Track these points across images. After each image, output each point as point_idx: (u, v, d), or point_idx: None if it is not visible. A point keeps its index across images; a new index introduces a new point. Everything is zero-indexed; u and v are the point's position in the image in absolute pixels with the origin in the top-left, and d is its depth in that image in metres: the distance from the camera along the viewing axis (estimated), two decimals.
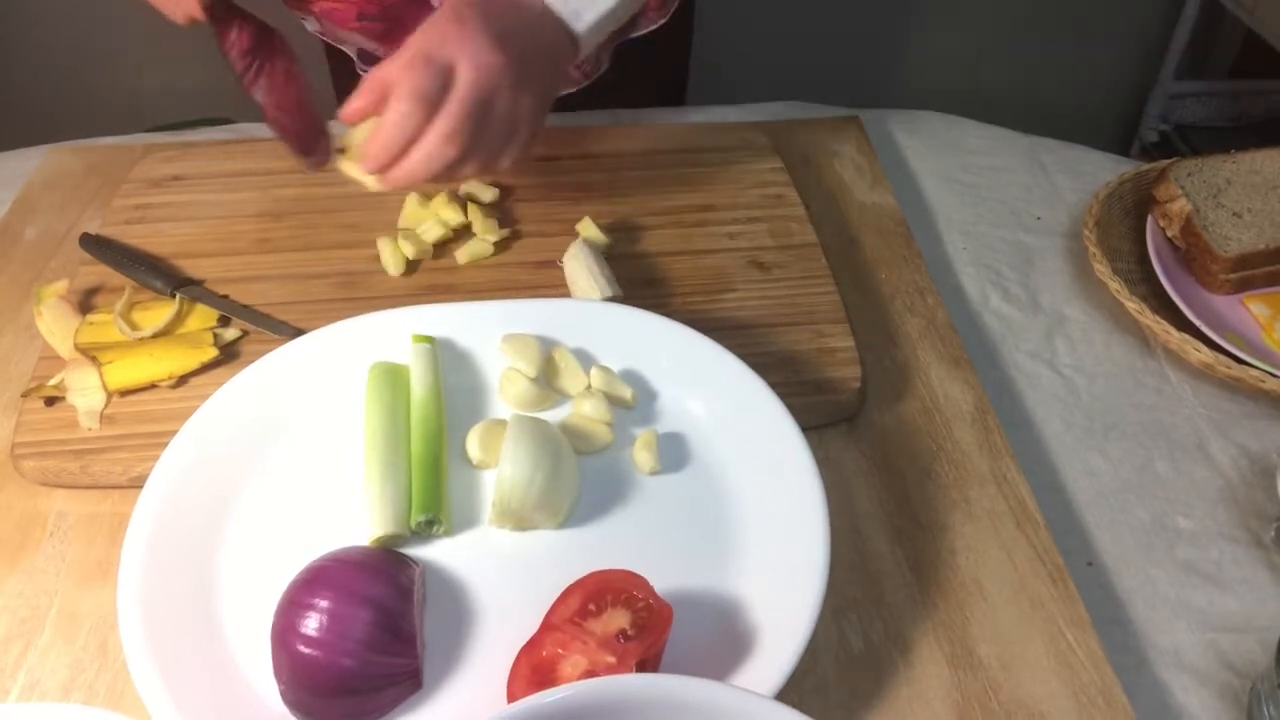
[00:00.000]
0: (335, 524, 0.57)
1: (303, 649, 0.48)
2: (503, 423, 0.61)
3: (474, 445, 0.61)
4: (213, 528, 0.57)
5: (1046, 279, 0.83)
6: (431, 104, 0.61)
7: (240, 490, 0.59)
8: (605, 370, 0.64)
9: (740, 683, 0.50)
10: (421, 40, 0.63)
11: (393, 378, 0.62)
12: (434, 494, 0.57)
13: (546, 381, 0.64)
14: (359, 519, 0.57)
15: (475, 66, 0.62)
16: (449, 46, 0.62)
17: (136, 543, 0.54)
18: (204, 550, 0.56)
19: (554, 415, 0.63)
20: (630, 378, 0.64)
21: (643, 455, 0.61)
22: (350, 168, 0.68)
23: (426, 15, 0.73)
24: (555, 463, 0.57)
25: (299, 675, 0.49)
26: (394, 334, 0.64)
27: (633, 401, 0.63)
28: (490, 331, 0.65)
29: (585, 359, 0.65)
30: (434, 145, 0.62)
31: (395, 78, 0.62)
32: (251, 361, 0.63)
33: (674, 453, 0.62)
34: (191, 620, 0.53)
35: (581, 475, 0.60)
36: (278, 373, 0.62)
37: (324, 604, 0.49)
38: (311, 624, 0.49)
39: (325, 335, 0.64)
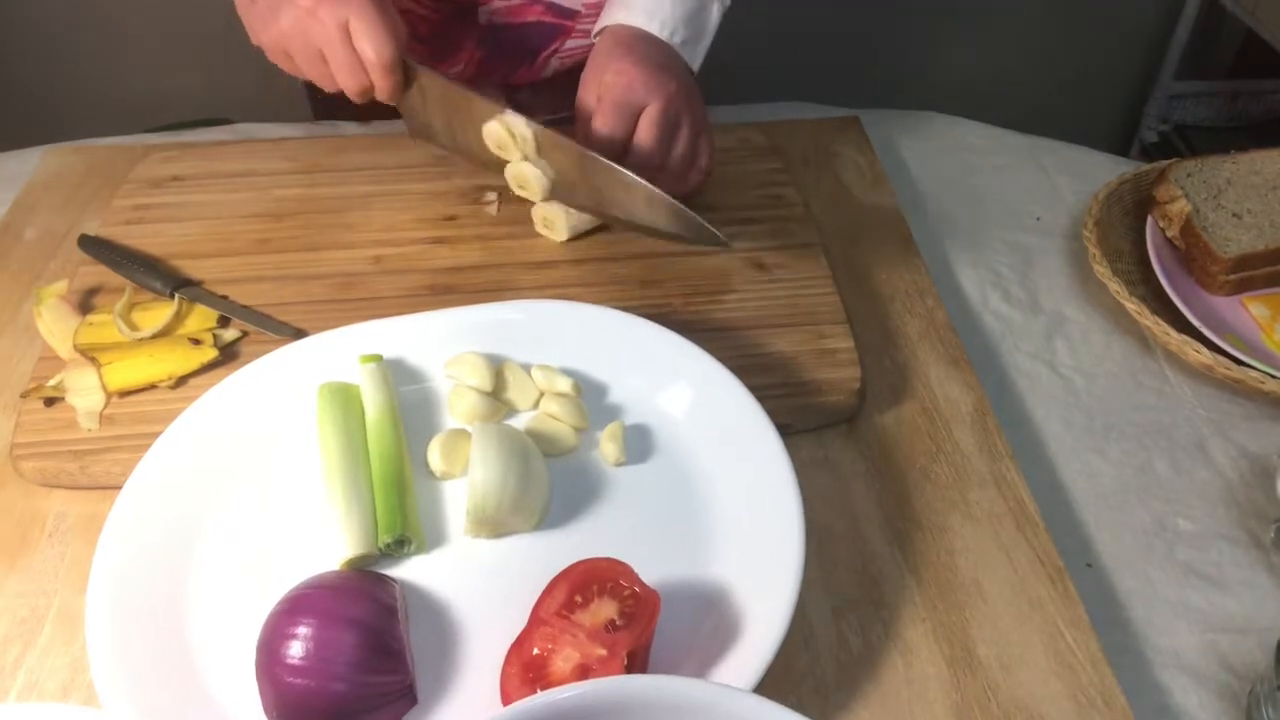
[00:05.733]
0: (305, 548, 0.57)
1: (291, 679, 0.48)
2: (463, 432, 0.62)
3: (436, 457, 0.60)
4: (177, 567, 0.56)
5: (1046, 279, 0.83)
6: (622, 142, 0.72)
7: (203, 524, 0.58)
8: (545, 368, 0.64)
9: (726, 666, 0.50)
10: (612, 85, 0.72)
11: (343, 397, 0.61)
12: (399, 513, 0.57)
13: (496, 396, 0.64)
14: (329, 541, 0.56)
15: (661, 97, 0.72)
16: (636, 88, 0.72)
17: (101, 584, 0.53)
18: (170, 587, 0.55)
19: (519, 421, 0.64)
20: (587, 374, 0.65)
21: (609, 446, 0.61)
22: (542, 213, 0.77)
23: (473, 35, 0.87)
24: (524, 465, 0.57)
25: (291, 706, 0.48)
26: (342, 353, 0.64)
27: (573, 392, 0.63)
28: (441, 341, 0.65)
29: (538, 358, 0.65)
30: (635, 164, 0.72)
31: (592, 123, 0.73)
32: (250, 361, 0.63)
33: (641, 444, 0.63)
34: (163, 659, 0.52)
35: (552, 474, 0.60)
36: (229, 404, 0.62)
37: (307, 631, 0.48)
38: (297, 652, 0.48)
39: (272, 360, 0.64)
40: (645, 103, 0.72)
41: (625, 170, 0.69)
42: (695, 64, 0.80)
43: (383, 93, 0.71)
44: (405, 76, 0.71)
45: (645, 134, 0.72)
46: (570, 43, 0.91)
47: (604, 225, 0.78)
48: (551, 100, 0.97)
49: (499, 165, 0.76)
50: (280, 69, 0.73)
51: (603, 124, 0.72)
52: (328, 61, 0.68)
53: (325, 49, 0.68)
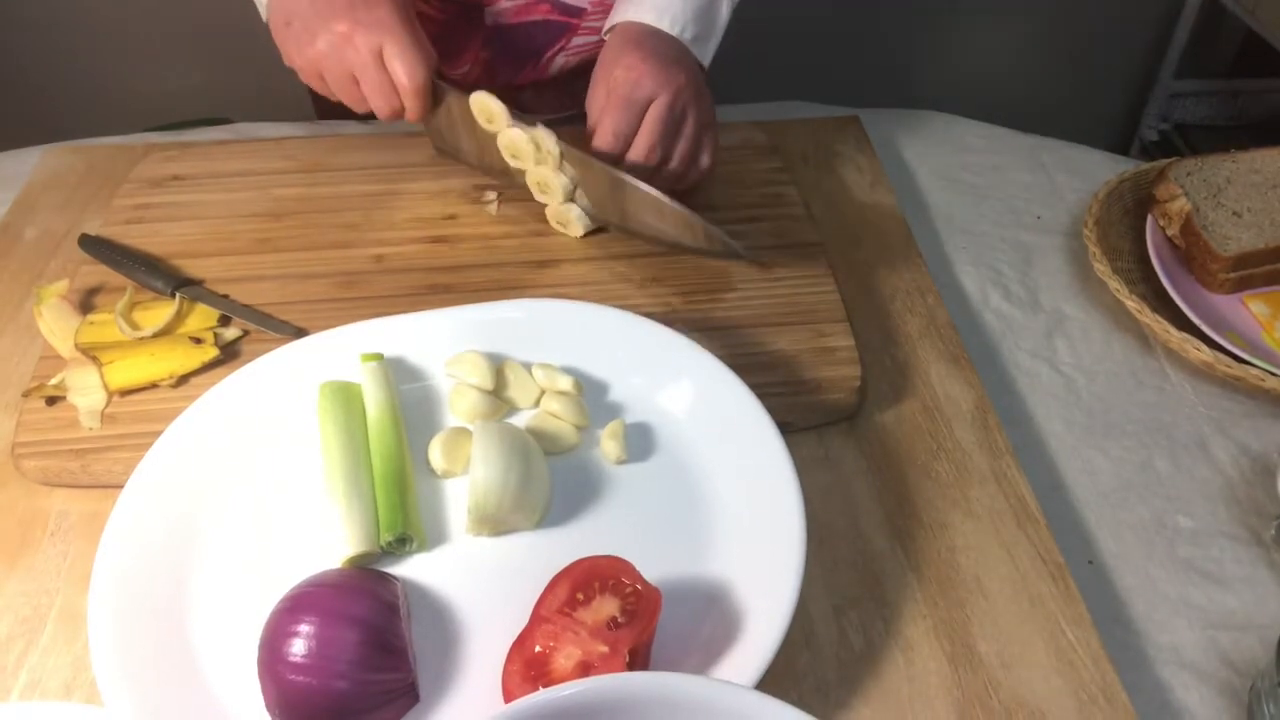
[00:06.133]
0: (307, 546, 0.57)
1: (293, 677, 0.47)
2: (464, 430, 0.62)
3: (437, 455, 0.60)
4: (179, 565, 0.56)
5: (1046, 278, 0.83)
6: (628, 136, 0.73)
7: (205, 523, 0.58)
8: (546, 366, 0.64)
9: (728, 663, 0.50)
10: (621, 80, 0.73)
11: (344, 396, 0.61)
12: (399, 511, 0.57)
13: (498, 394, 0.64)
14: (330, 540, 0.56)
15: (669, 91, 0.73)
16: (645, 83, 0.72)
17: (103, 582, 0.53)
18: (172, 586, 0.55)
19: (520, 419, 0.64)
20: (588, 372, 0.65)
21: (609, 445, 0.61)
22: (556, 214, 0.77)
23: (479, 36, 0.88)
24: (525, 463, 0.57)
25: (293, 703, 0.48)
26: (343, 352, 0.64)
27: (574, 390, 0.63)
28: (442, 340, 0.66)
29: (539, 356, 0.66)
30: (639, 156, 0.73)
31: (600, 118, 0.74)
32: (251, 360, 0.63)
33: (642, 442, 0.63)
34: (165, 657, 0.52)
35: (553, 473, 0.60)
36: (231, 403, 0.62)
37: (309, 629, 0.48)
38: (299, 650, 0.48)
39: (273, 359, 0.64)
40: (653, 96, 0.73)
41: (641, 184, 0.70)
42: (706, 60, 0.80)
43: (412, 114, 0.73)
44: (434, 98, 0.74)
45: (649, 129, 0.73)
46: (576, 40, 0.91)
47: None
48: (556, 99, 0.97)
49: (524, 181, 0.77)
50: (292, 75, 0.74)
51: (610, 119, 0.73)
52: (360, 84, 0.71)
53: (359, 73, 0.70)
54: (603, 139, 0.73)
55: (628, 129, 0.73)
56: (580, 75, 0.95)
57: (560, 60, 0.93)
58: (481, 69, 0.93)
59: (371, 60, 0.70)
